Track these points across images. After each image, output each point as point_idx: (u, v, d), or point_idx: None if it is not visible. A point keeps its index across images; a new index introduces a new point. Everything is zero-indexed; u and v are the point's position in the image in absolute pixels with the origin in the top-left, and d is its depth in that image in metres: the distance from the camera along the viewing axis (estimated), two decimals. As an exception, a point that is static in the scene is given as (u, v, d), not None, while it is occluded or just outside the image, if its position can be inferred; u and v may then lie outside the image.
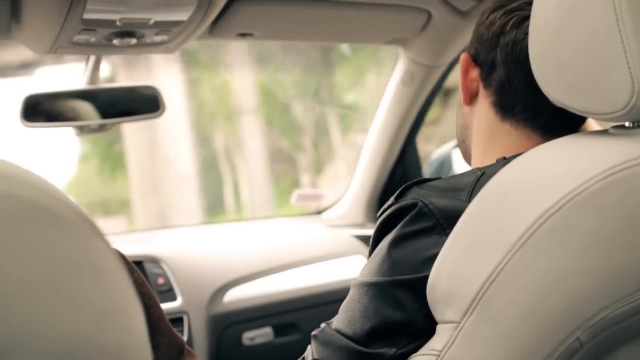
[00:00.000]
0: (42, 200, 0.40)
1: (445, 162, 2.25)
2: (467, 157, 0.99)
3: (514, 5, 0.89)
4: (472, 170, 0.86)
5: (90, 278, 0.41)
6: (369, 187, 2.05)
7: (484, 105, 0.92)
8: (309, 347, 0.83)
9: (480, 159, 0.92)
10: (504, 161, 0.83)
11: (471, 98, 0.94)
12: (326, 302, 1.76)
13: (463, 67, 0.93)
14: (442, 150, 2.26)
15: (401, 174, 2.03)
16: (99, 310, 0.40)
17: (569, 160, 0.66)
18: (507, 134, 0.90)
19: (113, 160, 5.14)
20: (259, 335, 1.68)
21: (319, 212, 2.21)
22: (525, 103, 0.88)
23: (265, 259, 1.78)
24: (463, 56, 0.93)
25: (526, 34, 0.85)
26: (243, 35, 1.47)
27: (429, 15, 1.54)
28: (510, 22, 0.88)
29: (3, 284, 0.36)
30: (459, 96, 0.97)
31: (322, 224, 2.07)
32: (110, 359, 0.40)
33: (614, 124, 0.72)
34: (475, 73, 0.93)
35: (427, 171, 2.16)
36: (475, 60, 0.93)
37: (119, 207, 5.15)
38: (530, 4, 0.84)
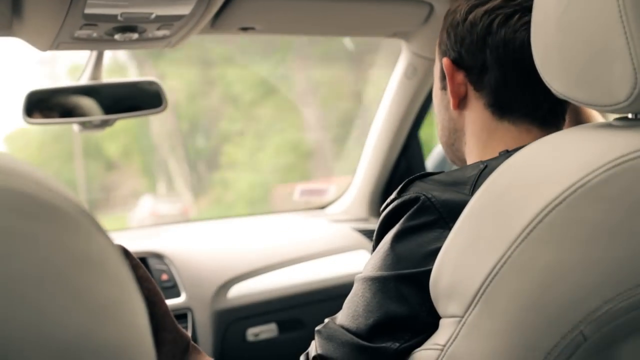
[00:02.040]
0: (43, 195, 0.39)
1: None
2: (458, 160, 0.98)
3: (495, 3, 0.87)
4: (475, 163, 0.85)
5: (92, 273, 0.40)
6: (372, 181, 2.04)
7: (476, 106, 0.91)
8: (313, 342, 0.83)
9: (480, 157, 0.91)
10: (507, 154, 0.83)
11: (459, 102, 0.92)
12: (330, 297, 1.75)
13: (449, 73, 0.91)
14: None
15: (404, 167, 2.02)
16: (101, 306, 0.40)
17: (571, 153, 0.66)
18: (507, 131, 0.89)
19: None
20: (264, 331, 1.68)
21: (322, 207, 2.21)
22: (524, 100, 0.88)
23: (269, 255, 1.77)
24: (445, 62, 0.91)
25: (515, 31, 0.85)
26: (245, 29, 1.46)
27: (431, 7, 1.53)
28: (495, 22, 0.86)
29: (3, 279, 0.36)
30: (442, 102, 0.96)
31: (326, 218, 2.07)
32: (112, 354, 0.40)
33: (617, 116, 0.71)
34: (460, 77, 0.91)
35: (429, 164, 2.15)
36: (458, 63, 0.91)
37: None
38: (508, 0, 0.85)
